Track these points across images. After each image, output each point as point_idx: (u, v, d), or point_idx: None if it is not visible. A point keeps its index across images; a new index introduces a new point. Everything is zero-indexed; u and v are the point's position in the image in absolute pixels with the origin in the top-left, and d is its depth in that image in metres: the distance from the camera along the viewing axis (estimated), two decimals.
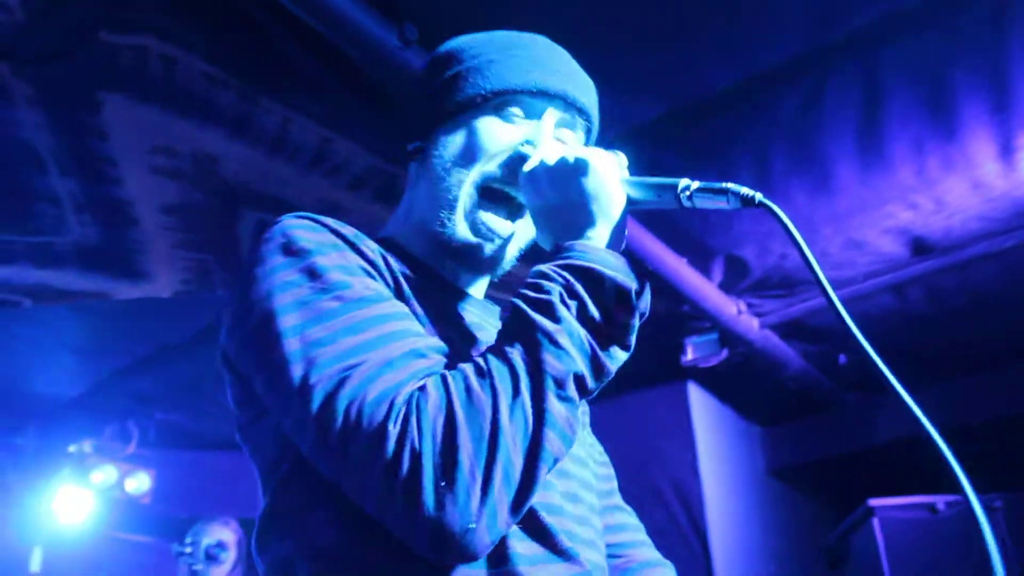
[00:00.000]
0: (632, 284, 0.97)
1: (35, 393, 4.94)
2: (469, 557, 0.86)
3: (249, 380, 1.02)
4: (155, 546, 6.06)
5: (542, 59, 1.23)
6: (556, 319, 0.93)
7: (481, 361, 0.92)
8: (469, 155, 1.18)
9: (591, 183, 1.05)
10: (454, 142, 1.19)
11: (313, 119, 2.74)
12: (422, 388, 0.89)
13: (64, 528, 5.25)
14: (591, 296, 0.95)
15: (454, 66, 1.23)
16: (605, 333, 0.96)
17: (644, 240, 3.32)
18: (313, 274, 0.98)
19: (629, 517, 1.33)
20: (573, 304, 0.95)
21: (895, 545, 3.60)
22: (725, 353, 4.21)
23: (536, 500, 0.96)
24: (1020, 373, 4.55)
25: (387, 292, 1.03)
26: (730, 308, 3.91)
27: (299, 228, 1.04)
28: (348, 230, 1.08)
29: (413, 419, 0.86)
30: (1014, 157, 3.01)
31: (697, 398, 4.66)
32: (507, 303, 1.00)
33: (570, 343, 0.92)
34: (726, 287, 3.88)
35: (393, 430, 0.85)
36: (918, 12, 2.45)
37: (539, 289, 0.96)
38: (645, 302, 1.00)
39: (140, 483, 5.42)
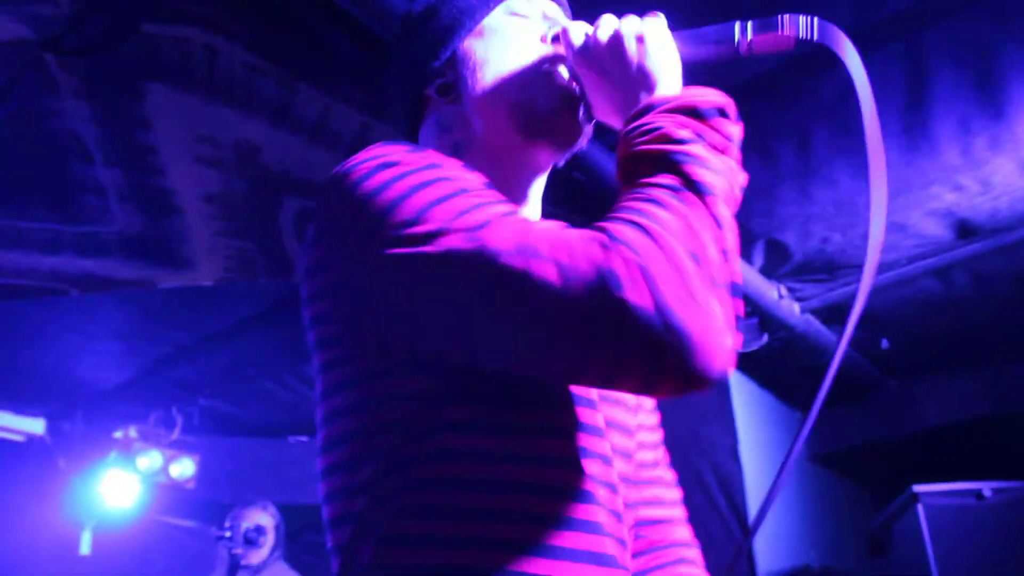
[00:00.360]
0: (724, 100, 1.00)
1: (82, 380, 5.03)
2: (721, 370, 0.84)
3: (364, 310, 0.98)
4: (198, 530, 6.15)
5: None
6: (681, 141, 0.94)
7: (631, 198, 0.91)
8: (509, 46, 1.19)
9: (653, 49, 1.06)
10: (487, 45, 1.20)
11: (353, 106, 2.76)
12: (600, 229, 0.88)
13: (111, 512, 5.35)
14: (698, 121, 0.97)
15: (438, 4, 1.25)
16: (720, 148, 0.97)
17: None
18: (431, 178, 0.96)
19: (666, 491, 1.30)
20: (687, 131, 0.96)
21: (940, 532, 3.56)
22: (766, 338, 4.18)
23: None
24: None
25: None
26: (771, 293, 3.88)
27: (387, 147, 1.04)
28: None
29: (623, 245, 0.84)
30: None
31: (738, 383, 4.63)
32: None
33: (707, 155, 0.94)
34: (767, 272, 3.85)
35: (614, 256, 0.83)
36: None
37: (648, 131, 0.97)
38: (732, 108, 1.02)
39: (184, 468, 5.51)
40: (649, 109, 1.00)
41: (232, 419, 5.55)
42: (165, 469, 5.44)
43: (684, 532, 1.29)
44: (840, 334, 4.19)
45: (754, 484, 4.42)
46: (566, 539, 0.93)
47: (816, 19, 1.05)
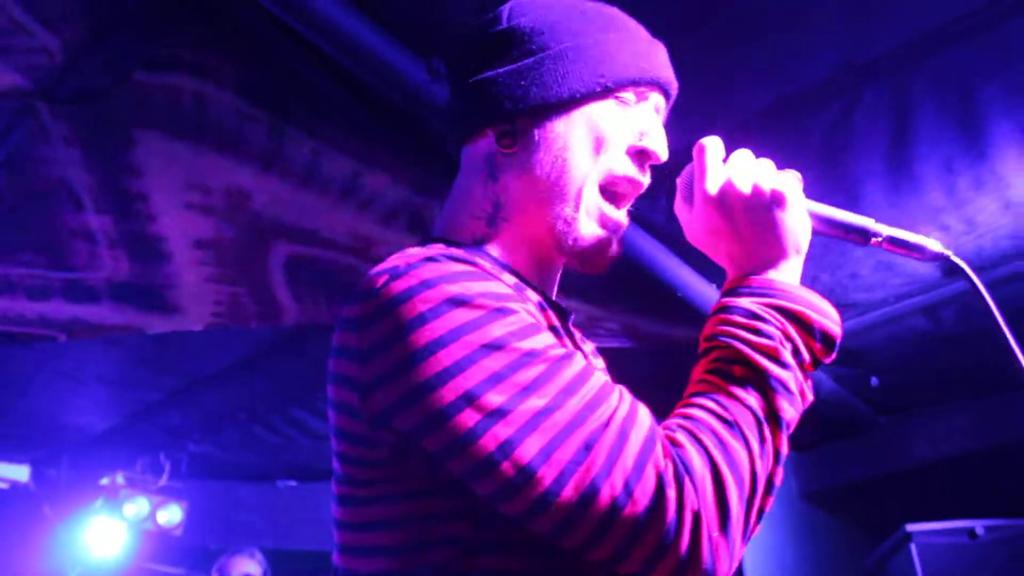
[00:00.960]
0: (837, 330, 1.03)
1: (69, 425, 4.99)
2: None
3: (411, 450, 0.94)
4: None
5: (644, 42, 1.18)
6: (784, 365, 0.98)
7: (719, 408, 0.94)
8: (594, 147, 1.11)
9: (789, 217, 1.06)
10: (573, 133, 1.11)
11: (343, 152, 2.77)
12: (677, 445, 0.91)
13: (97, 560, 5.27)
14: (803, 340, 1.01)
15: (551, 43, 1.12)
16: (807, 372, 1.02)
17: (669, 264, 3.31)
18: (499, 341, 0.91)
19: None
20: (789, 346, 0.99)
21: (933, 571, 3.55)
22: None
23: None
24: None
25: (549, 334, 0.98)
26: None
27: (450, 270, 0.96)
28: (482, 263, 1.02)
29: (687, 480, 0.88)
30: None
31: None
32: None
33: (795, 387, 0.98)
34: None
35: (671, 494, 0.87)
36: (949, 32, 2.45)
37: (758, 332, 0.99)
38: (838, 338, 1.05)
39: (172, 515, 5.45)
40: (767, 293, 1.02)
41: (220, 464, 5.50)
42: (152, 516, 5.38)
43: None
44: (832, 373, 4.19)
45: None
46: None
47: (950, 251, 1.11)
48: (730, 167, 1.10)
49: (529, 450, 0.86)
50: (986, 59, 2.54)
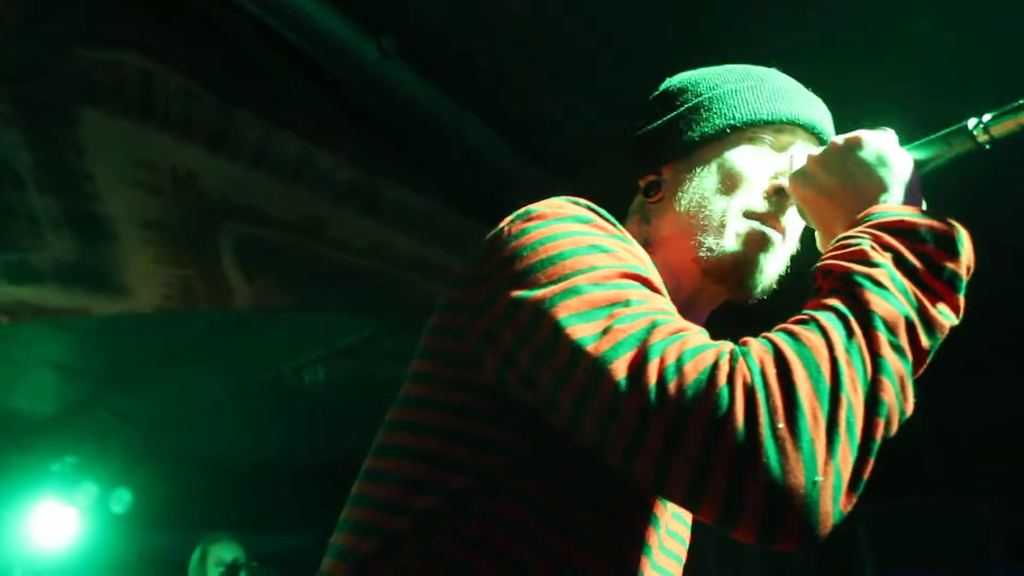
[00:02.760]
0: (954, 229, 0.86)
1: (16, 411, 4.89)
2: (809, 530, 0.72)
3: (494, 352, 0.92)
4: (138, 563, 6.00)
5: (785, 88, 1.20)
6: (873, 264, 0.83)
7: (798, 315, 0.84)
8: (730, 185, 1.14)
9: (869, 152, 0.99)
10: (709, 174, 1.15)
11: (294, 132, 2.73)
12: (742, 341, 0.82)
13: (45, 547, 5.19)
14: (905, 245, 0.85)
15: (692, 98, 1.20)
16: (929, 285, 0.84)
17: None
18: (617, 250, 0.93)
19: None
20: (888, 254, 0.85)
21: (881, 550, 3.61)
22: None
23: None
24: (1002, 376, 4.57)
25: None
26: None
27: (593, 209, 1.00)
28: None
29: (741, 360, 0.77)
30: None
31: None
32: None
33: (894, 286, 0.82)
34: None
35: (722, 369, 0.76)
36: None
37: (847, 247, 0.87)
38: (968, 252, 0.87)
39: (123, 500, 5.37)
40: (863, 221, 0.91)
41: (172, 449, 5.44)
42: (103, 501, 5.30)
43: None
44: None
45: None
46: None
47: None
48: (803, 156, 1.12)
49: (589, 329, 0.83)
50: None
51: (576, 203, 0.99)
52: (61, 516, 5.21)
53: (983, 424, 4.53)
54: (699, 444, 0.74)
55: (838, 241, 0.90)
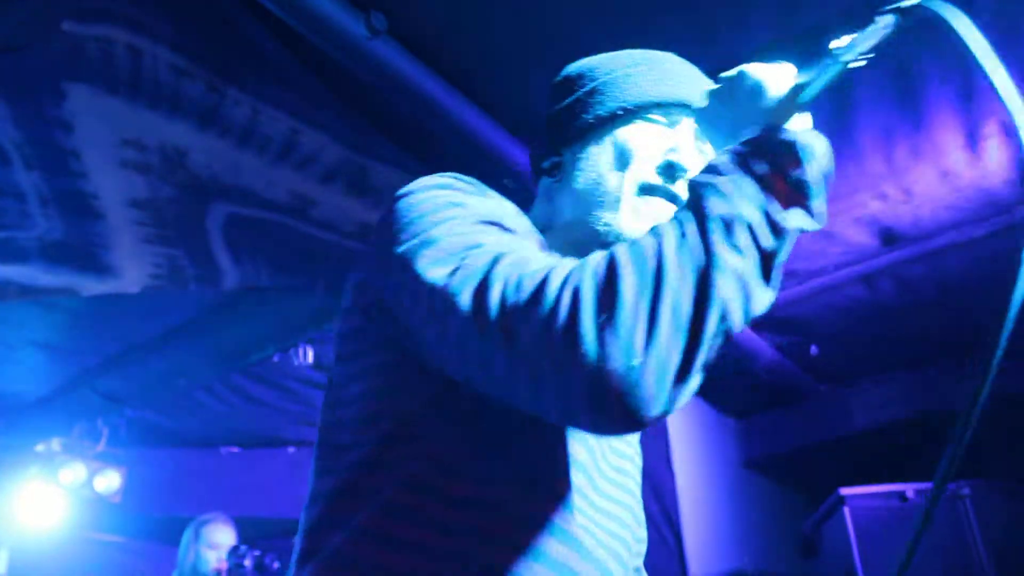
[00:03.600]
0: (804, 136, 0.90)
1: (2, 392, 4.87)
2: (634, 413, 0.76)
3: (387, 311, 1.01)
4: (126, 545, 6.00)
5: (676, 71, 1.27)
6: (718, 172, 0.88)
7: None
8: (623, 161, 1.19)
9: (749, 80, 0.98)
10: (604, 151, 1.21)
11: (282, 110, 2.72)
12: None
13: (32, 528, 5.18)
14: (755, 154, 0.89)
15: (588, 83, 1.27)
16: (780, 190, 0.87)
17: None
18: (465, 200, 1.01)
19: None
20: (737, 164, 0.89)
21: (865, 533, 3.64)
22: None
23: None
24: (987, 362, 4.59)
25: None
26: None
27: (456, 178, 1.07)
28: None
29: (576, 270, 0.82)
30: (980, 146, 3.04)
31: None
32: None
33: (735, 189, 0.85)
34: None
35: (555, 277, 0.82)
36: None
37: (708, 165, 0.92)
38: (820, 158, 0.90)
39: (110, 482, 5.36)
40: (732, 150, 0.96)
41: (161, 430, 5.42)
42: (90, 482, 5.28)
43: None
44: (772, 341, 4.23)
45: (687, 490, 4.46)
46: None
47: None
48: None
49: (448, 267, 0.90)
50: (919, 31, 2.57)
51: (442, 175, 1.07)
52: (48, 497, 5.19)
53: None
54: (531, 345, 0.79)
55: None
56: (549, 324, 0.78)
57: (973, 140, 3.02)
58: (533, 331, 0.79)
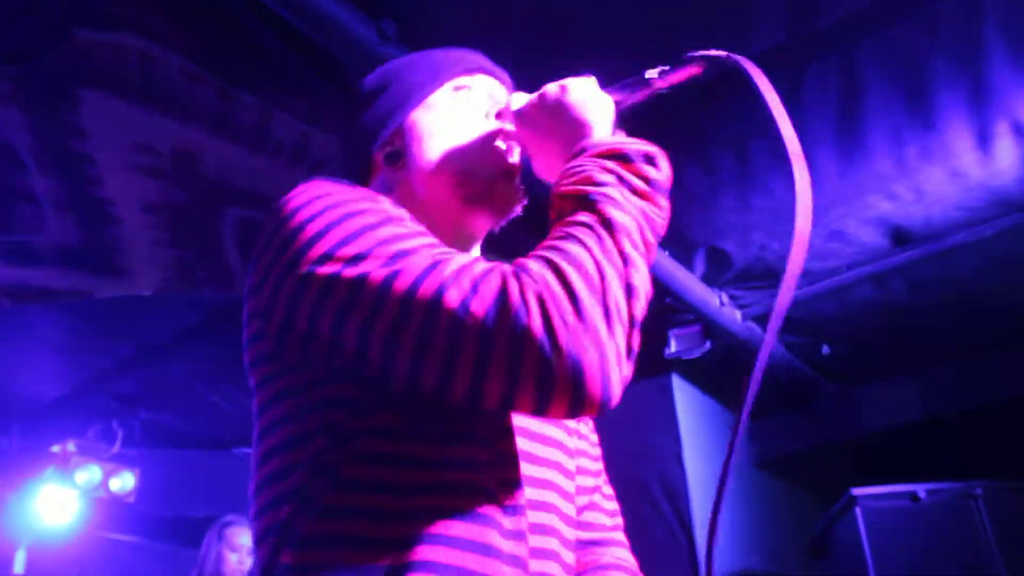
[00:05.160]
0: (653, 149, 1.07)
1: (17, 393, 4.91)
2: (607, 398, 0.90)
3: (290, 326, 1.02)
4: (140, 546, 6.04)
5: (461, 52, 1.36)
6: (600, 184, 1.01)
7: (552, 234, 1.00)
8: (459, 119, 1.27)
9: (576, 95, 1.15)
10: (437, 119, 1.28)
11: (294, 114, 2.74)
12: (516, 265, 0.95)
13: (48, 529, 5.22)
14: (622, 166, 1.04)
15: (394, 78, 1.33)
16: (643, 194, 1.03)
17: None
18: (360, 209, 1.02)
19: (602, 516, 1.33)
20: (610, 175, 1.03)
21: (877, 533, 3.64)
22: (708, 345, 4.22)
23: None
24: (999, 362, 4.59)
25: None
26: (713, 300, 3.93)
27: (325, 182, 1.09)
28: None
29: (525, 277, 0.91)
30: (991, 146, 3.04)
31: (681, 390, 4.68)
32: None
33: (622, 199, 1.00)
34: (709, 279, 3.90)
35: (512, 288, 0.90)
36: (896, 4, 2.47)
37: (574, 174, 1.04)
38: (664, 164, 1.07)
39: (124, 482, 5.40)
40: (580, 153, 1.08)
41: (174, 432, 5.46)
42: (105, 483, 5.32)
43: (620, 552, 1.32)
44: (782, 340, 4.25)
45: (698, 490, 4.46)
46: (461, 530, 0.98)
47: (723, 52, 1.16)
48: (519, 96, 1.24)
49: (380, 273, 0.94)
50: (927, 33, 2.57)
51: (318, 179, 1.10)
52: (63, 498, 5.24)
53: None
54: (508, 356, 0.88)
55: (566, 172, 1.06)
56: (527, 336, 0.87)
57: (983, 140, 3.01)
58: (509, 344, 0.88)
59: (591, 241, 0.95)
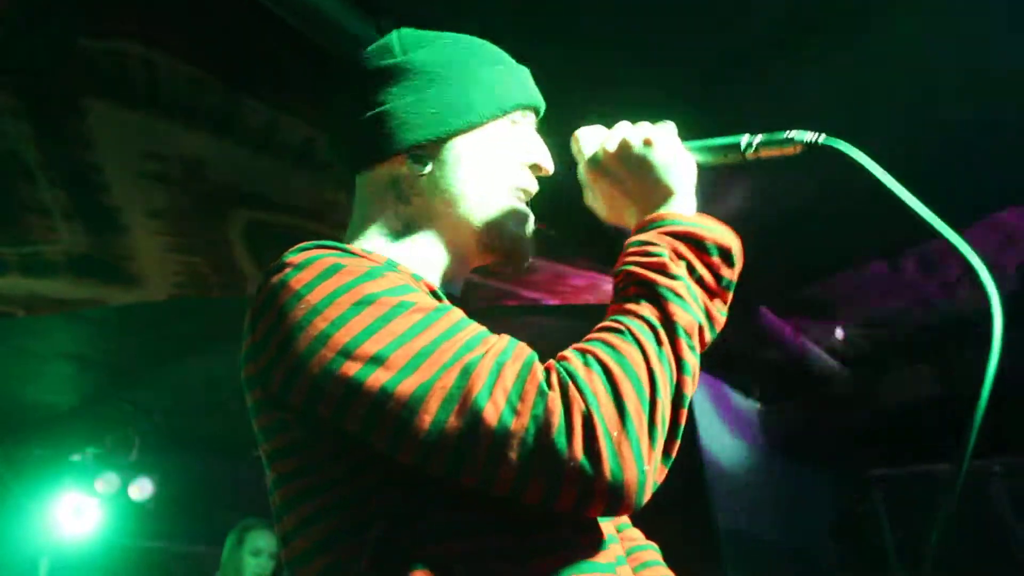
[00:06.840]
0: (732, 243, 1.03)
1: (35, 403, 4.94)
2: (639, 504, 0.89)
3: (308, 419, 0.95)
4: (160, 550, 6.07)
5: (523, 76, 1.28)
6: (672, 276, 0.98)
7: (610, 323, 0.96)
8: (496, 162, 1.19)
9: (661, 155, 1.08)
10: (477, 150, 1.18)
11: (298, 117, 2.74)
12: (562, 359, 0.92)
13: (69, 537, 5.25)
14: (696, 256, 1.01)
15: (452, 75, 1.20)
16: (713, 291, 1.02)
17: None
18: (372, 296, 0.94)
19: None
20: (683, 265, 1.00)
21: (897, 513, 3.63)
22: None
23: None
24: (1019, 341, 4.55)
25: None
26: None
27: (329, 255, 1.00)
28: (373, 256, 1.05)
29: (570, 383, 0.88)
30: None
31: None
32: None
33: (689, 296, 0.97)
34: None
35: (555, 401, 0.87)
36: None
37: (647, 254, 1.00)
38: (740, 259, 1.04)
39: (143, 489, 5.43)
40: (658, 225, 1.04)
41: (191, 437, 5.48)
42: (124, 490, 5.35)
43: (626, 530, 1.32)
44: (799, 326, 4.20)
45: (717, 477, 4.46)
46: None
47: (823, 135, 1.07)
48: (602, 136, 1.15)
49: (411, 385, 0.88)
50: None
51: (318, 253, 1.00)
52: (84, 506, 5.27)
53: None
54: (548, 476, 0.86)
55: (639, 248, 1.01)
56: (569, 460, 0.85)
57: None
58: (551, 458, 0.85)
59: (650, 345, 0.92)
